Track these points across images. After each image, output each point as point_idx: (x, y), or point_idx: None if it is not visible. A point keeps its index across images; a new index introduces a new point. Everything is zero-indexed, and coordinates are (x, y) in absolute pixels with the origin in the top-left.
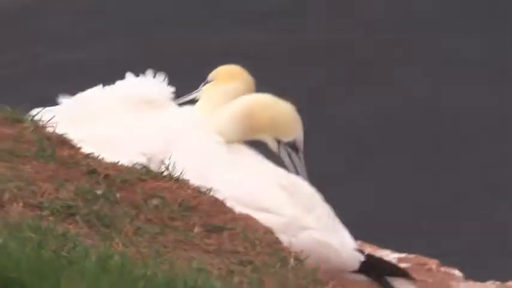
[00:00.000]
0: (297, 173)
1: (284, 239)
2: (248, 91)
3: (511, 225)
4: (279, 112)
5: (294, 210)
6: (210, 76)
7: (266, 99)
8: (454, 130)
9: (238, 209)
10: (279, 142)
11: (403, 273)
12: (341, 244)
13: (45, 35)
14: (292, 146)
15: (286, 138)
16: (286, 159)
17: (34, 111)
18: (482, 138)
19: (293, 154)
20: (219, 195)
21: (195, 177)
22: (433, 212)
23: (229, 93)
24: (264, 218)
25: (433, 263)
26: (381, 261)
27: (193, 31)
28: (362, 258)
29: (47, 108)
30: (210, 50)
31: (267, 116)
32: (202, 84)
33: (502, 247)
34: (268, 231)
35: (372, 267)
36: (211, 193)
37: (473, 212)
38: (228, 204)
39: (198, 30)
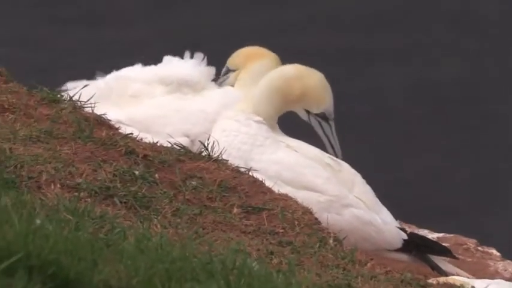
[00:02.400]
0: (329, 142)
1: (327, 216)
2: (276, 65)
3: None
4: (308, 85)
5: (337, 188)
6: (231, 63)
7: (295, 71)
8: (492, 108)
9: (281, 187)
10: (308, 113)
11: (445, 252)
12: (384, 222)
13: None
14: (323, 116)
15: (316, 110)
16: (319, 130)
17: (72, 90)
18: None
19: (324, 123)
20: (261, 175)
21: (235, 158)
22: (471, 192)
23: (262, 71)
24: (306, 196)
25: (471, 243)
26: (424, 239)
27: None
28: (405, 236)
29: (85, 84)
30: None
31: (297, 89)
32: (224, 71)
33: None
34: (307, 211)
35: (414, 245)
36: (251, 173)
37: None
38: (269, 183)
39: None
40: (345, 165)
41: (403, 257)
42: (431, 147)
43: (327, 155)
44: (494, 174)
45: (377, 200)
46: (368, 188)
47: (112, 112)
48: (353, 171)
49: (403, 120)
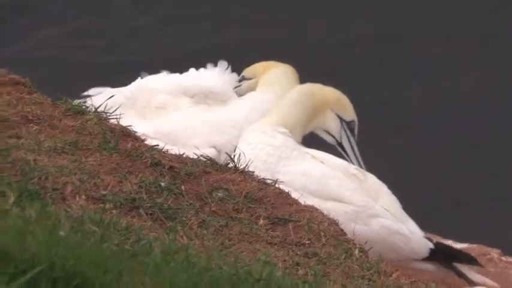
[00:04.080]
0: (355, 156)
1: (354, 227)
2: (293, 74)
3: None
4: (338, 93)
5: (364, 198)
6: (248, 72)
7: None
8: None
9: (307, 199)
10: (341, 120)
11: (471, 260)
12: (411, 232)
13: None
14: (352, 129)
15: (349, 118)
16: (346, 143)
17: (95, 97)
18: None
19: (351, 138)
20: (287, 187)
21: (261, 170)
22: (494, 201)
23: (279, 78)
24: (333, 207)
25: (495, 253)
26: (450, 248)
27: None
28: (431, 245)
29: (111, 95)
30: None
31: (333, 93)
32: (239, 79)
33: None
34: (332, 222)
35: (441, 254)
36: (277, 185)
37: None
38: (295, 195)
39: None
40: (370, 176)
41: (430, 266)
42: (454, 158)
43: (353, 165)
44: None
45: (402, 211)
46: (394, 198)
47: (138, 124)
48: (378, 181)
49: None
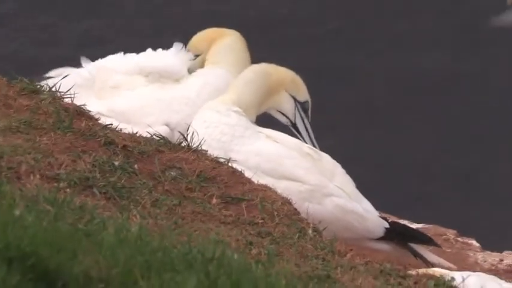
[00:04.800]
0: (309, 137)
1: (308, 206)
2: (241, 42)
3: None
4: (294, 74)
5: (318, 177)
6: (192, 48)
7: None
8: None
9: (261, 178)
10: (295, 101)
11: (428, 241)
12: (365, 211)
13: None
14: (306, 109)
15: (303, 98)
16: (300, 123)
17: (56, 78)
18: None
19: (305, 119)
20: (242, 166)
21: (215, 149)
22: (451, 183)
23: (229, 50)
24: (287, 186)
25: (451, 234)
26: (405, 228)
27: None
28: (386, 225)
29: (67, 74)
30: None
31: (287, 74)
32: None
33: None
34: (286, 202)
35: (396, 234)
36: (230, 164)
37: (492, 183)
38: (249, 174)
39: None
40: (325, 156)
41: (385, 246)
42: (411, 136)
43: (306, 145)
44: (475, 165)
45: (357, 190)
46: (348, 178)
47: (93, 103)
48: (333, 161)
49: (383, 111)
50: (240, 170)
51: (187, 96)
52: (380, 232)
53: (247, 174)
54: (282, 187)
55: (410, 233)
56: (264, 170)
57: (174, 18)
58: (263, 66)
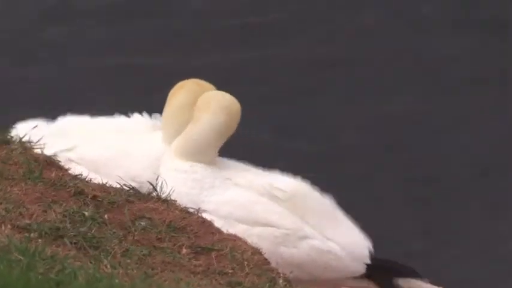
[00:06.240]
0: None
1: (284, 250)
2: (195, 95)
3: None
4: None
5: (291, 220)
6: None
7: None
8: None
9: (234, 226)
10: None
11: (412, 273)
12: (343, 249)
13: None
14: None
15: None
16: None
17: (23, 130)
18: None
19: None
20: (213, 215)
21: (186, 203)
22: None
23: (178, 108)
24: (262, 232)
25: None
26: (388, 262)
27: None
28: (367, 260)
29: (37, 125)
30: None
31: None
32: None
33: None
34: (256, 251)
35: (380, 269)
36: (200, 214)
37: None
38: (222, 223)
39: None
40: (293, 189)
41: (369, 284)
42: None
43: (275, 185)
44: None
45: (336, 214)
46: (322, 206)
47: (63, 151)
48: (303, 191)
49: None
50: (210, 219)
51: (150, 157)
52: (360, 269)
53: (220, 223)
54: (256, 233)
55: (393, 267)
56: (237, 218)
57: None
58: (220, 109)
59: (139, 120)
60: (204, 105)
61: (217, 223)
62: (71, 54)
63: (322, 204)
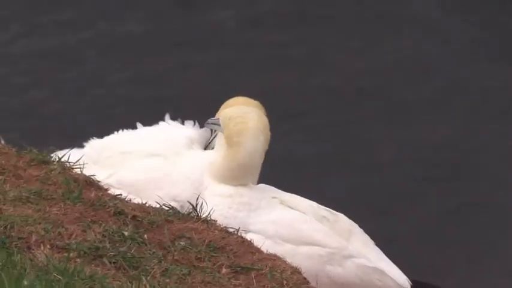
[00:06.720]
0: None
1: (330, 269)
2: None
3: None
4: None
5: (336, 239)
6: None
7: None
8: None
9: (281, 245)
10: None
11: None
12: (388, 269)
13: None
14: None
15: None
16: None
17: (61, 152)
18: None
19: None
20: (261, 235)
21: (234, 225)
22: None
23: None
24: (307, 251)
25: None
26: (429, 286)
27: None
28: (409, 282)
29: (75, 149)
30: None
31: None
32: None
33: None
34: (295, 271)
35: None
36: (244, 234)
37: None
38: (269, 243)
39: None
40: (341, 216)
41: None
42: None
43: (322, 207)
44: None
45: (377, 248)
46: (366, 237)
47: (101, 174)
48: (349, 221)
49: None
50: (257, 239)
51: (191, 178)
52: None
53: (268, 243)
54: (302, 252)
55: None
56: (283, 237)
57: None
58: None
59: (176, 133)
60: (241, 128)
61: (265, 243)
62: None
63: (364, 234)
